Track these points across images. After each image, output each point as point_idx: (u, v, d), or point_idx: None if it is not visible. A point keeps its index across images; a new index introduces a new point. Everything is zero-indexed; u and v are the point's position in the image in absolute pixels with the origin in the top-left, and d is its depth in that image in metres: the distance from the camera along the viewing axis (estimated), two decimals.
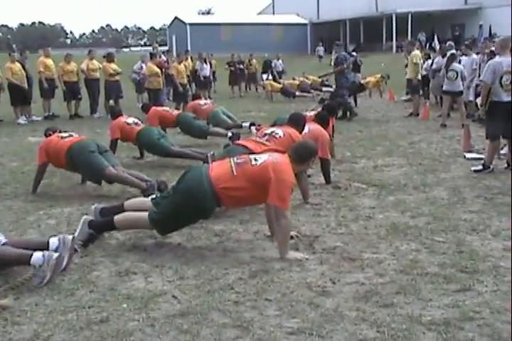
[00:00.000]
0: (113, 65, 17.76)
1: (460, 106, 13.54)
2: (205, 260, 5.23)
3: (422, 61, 16.55)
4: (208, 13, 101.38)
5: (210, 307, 4.24)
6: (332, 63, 20.98)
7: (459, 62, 14.39)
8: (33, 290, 4.63)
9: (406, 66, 18.74)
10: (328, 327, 3.91)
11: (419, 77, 16.01)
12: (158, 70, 16.94)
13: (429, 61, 17.32)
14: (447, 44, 17.19)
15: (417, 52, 16.27)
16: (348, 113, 15.31)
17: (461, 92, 13.14)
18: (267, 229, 6.06)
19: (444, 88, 13.58)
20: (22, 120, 16.55)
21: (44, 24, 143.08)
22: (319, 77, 22.00)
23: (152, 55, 18.36)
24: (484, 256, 5.14)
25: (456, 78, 13.27)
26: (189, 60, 21.74)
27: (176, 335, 3.88)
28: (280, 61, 27.32)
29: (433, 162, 9.29)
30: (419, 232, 5.84)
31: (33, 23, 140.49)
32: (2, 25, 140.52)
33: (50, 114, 17.35)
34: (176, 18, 61.92)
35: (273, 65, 26.42)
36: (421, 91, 17.33)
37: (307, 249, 5.47)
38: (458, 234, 5.79)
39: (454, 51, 16.49)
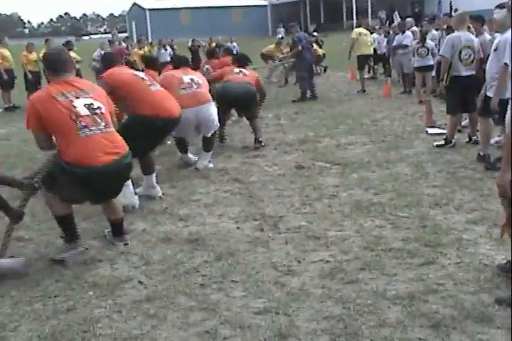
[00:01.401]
0: (72, 54, 17.52)
1: (427, 81, 13.50)
2: (170, 245, 5.24)
3: (369, 38, 16.79)
4: None
5: (176, 291, 4.25)
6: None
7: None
8: None
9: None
10: (294, 305, 3.94)
11: (362, 52, 16.31)
12: None
13: (385, 38, 17.46)
14: (407, 21, 17.20)
15: (356, 29, 16.59)
16: (310, 93, 15.19)
17: (432, 67, 13.12)
18: (231, 211, 6.11)
19: (416, 65, 13.52)
20: None
21: (0, 14, 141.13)
22: (279, 60, 21.35)
23: (111, 42, 18.17)
24: (447, 230, 5.20)
25: (427, 55, 13.27)
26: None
27: (143, 320, 3.88)
28: (234, 44, 26.16)
29: (396, 138, 9.33)
30: (382, 208, 5.88)
31: None
32: None
33: (11, 105, 17.08)
34: (134, 3, 61.44)
35: None
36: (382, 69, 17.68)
37: (272, 229, 5.48)
38: (421, 208, 5.84)
39: (414, 28, 16.54)
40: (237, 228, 5.60)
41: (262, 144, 9.29)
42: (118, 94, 6.32)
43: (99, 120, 4.95)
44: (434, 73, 12.59)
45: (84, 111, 4.88)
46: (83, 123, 4.84)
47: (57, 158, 4.94)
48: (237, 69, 9.56)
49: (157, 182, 6.92)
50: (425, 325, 3.60)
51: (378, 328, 3.59)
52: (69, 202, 5.15)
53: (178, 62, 8.49)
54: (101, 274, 4.68)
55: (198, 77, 8.18)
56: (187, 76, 8.00)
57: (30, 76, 16.90)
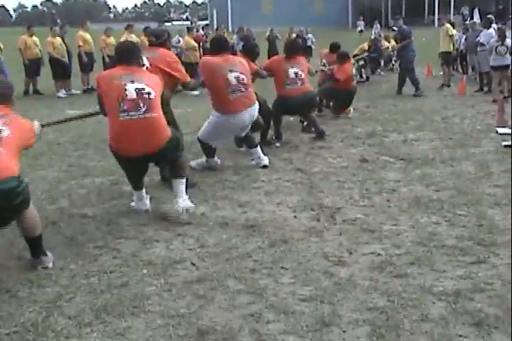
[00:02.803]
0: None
1: (503, 80, 13.23)
2: (227, 229, 5.36)
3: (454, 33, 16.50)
4: None
5: (226, 275, 4.37)
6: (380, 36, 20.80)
7: None
8: (59, 256, 4.80)
9: None
10: (339, 295, 4.01)
11: (451, 49, 16.17)
12: (195, 44, 17.06)
13: (463, 35, 17.17)
14: (487, 17, 16.85)
15: (447, 25, 16.27)
16: (415, 89, 14.91)
17: (509, 66, 12.82)
18: (290, 200, 6.18)
19: (493, 63, 13.28)
20: (62, 93, 16.78)
21: None
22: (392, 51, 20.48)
23: (189, 29, 18.44)
24: (504, 230, 5.13)
25: (506, 53, 12.99)
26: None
27: (192, 300, 4.01)
28: (310, 35, 24.93)
29: (464, 136, 9.21)
30: (441, 205, 5.86)
31: None
32: (47, 0, 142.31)
33: (89, 87, 17.51)
34: None
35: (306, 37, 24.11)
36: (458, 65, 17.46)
37: (328, 220, 5.54)
38: (480, 207, 5.78)
39: (494, 25, 16.18)
40: (294, 217, 5.68)
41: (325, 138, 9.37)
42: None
43: None
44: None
45: None
46: None
47: None
48: (291, 72, 8.89)
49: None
50: (468, 322, 3.61)
51: (420, 322, 3.62)
52: None
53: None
54: (156, 254, 4.84)
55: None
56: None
57: (108, 59, 17.29)
